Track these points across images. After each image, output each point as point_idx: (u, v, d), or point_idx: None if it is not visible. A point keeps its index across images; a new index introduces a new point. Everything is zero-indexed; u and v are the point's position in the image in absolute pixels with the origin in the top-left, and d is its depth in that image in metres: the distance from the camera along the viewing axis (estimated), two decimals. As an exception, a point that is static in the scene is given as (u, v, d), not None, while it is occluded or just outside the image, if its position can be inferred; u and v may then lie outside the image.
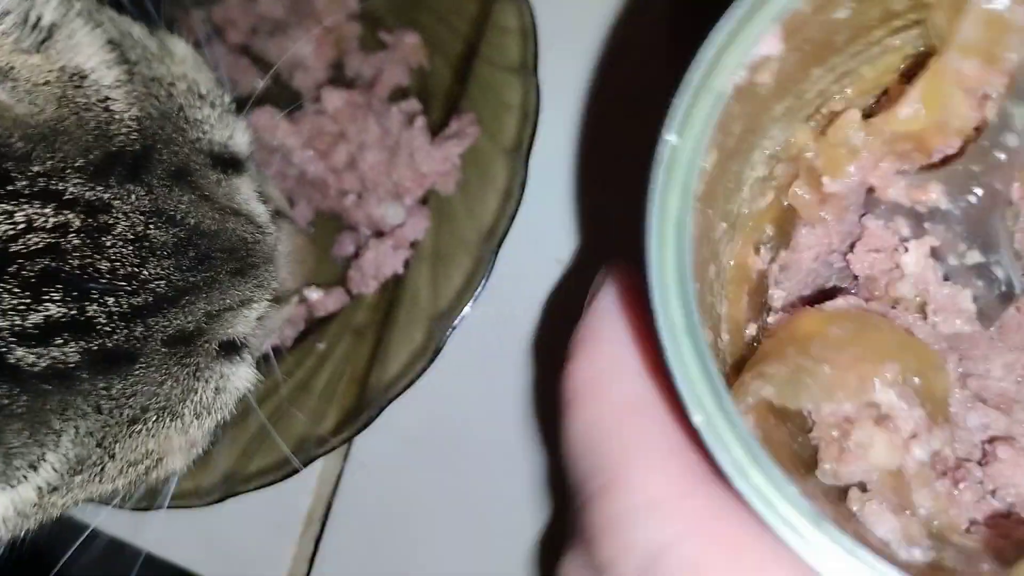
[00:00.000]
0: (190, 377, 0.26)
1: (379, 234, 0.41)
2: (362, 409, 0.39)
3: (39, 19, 0.24)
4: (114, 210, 0.24)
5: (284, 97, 0.45)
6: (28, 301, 0.22)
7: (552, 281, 0.40)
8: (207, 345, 0.27)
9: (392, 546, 0.41)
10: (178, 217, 0.25)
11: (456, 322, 0.38)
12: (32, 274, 0.22)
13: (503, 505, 0.39)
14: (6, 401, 0.21)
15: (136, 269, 0.24)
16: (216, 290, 0.27)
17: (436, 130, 0.42)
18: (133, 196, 0.24)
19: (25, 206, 0.22)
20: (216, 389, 0.28)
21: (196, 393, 0.27)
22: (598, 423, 0.23)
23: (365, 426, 0.38)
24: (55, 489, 0.24)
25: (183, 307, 0.26)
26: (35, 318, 0.22)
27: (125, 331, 0.24)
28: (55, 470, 0.23)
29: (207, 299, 0.27)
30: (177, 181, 0.26)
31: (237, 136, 0.29)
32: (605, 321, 0.23)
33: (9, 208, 0.22)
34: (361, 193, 0.42)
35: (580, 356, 0.23)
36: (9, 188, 0.22)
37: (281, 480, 0.39)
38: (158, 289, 0.25)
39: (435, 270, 0.40)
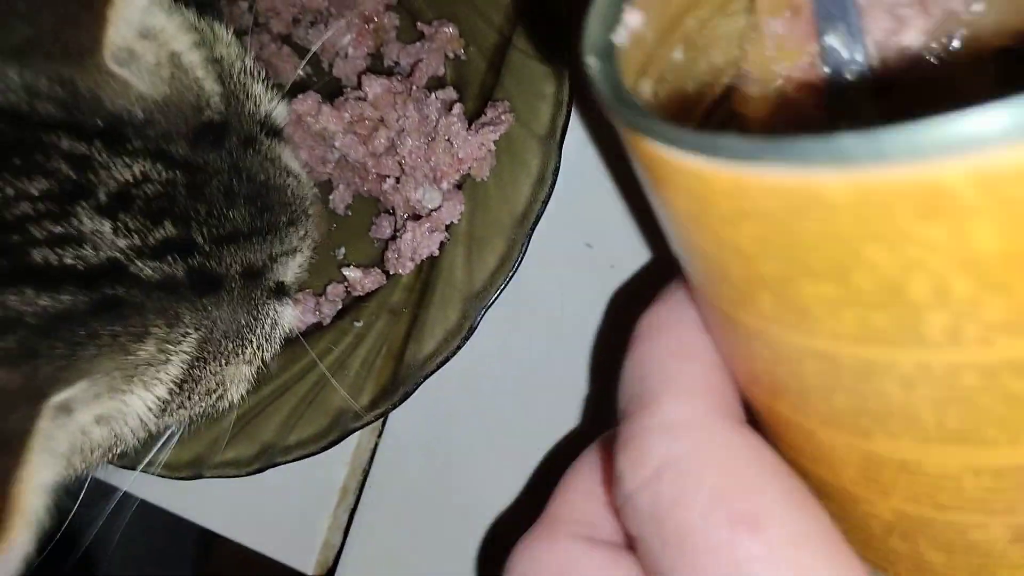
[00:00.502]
0: (255, 309, 0.32)
1: (416, 217, 0.43)
2: (398, 385, 0.40)
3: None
4: (209, 168, 0.29)
5: (325, 85, 0.47)
6: (149, 226, 0.27)
7: (583, 264, 0.41)
8: (267, 283, 0.32)
9: (425, 518, 0.43)
10: (251, 174, 0.31)
11: (490, 302, 0.40)
12: (151, 209, 0.27)
13: (534, 478, 0.41)
14: (136, 299, 0.27)
15: (225, 211, 0.30)
16: (276, 235, 0.32)
17: (472, 118, 0.43)
18: (220, 159, 0.30)
19: (141, 162, 0.27)
20: (272, 324, 0.33)
21: (258, 325, 0.32)
22: (650, 357, 0.24)
23: (401, 401, 0.40)
24: (164, 407, 0.27)
25: (254, 245, 0.31)
26: (152, 237, 0.27)
27: (217, 256, 0.29)
28: (172, 382, 0.26)
29: (270, 242, 0.32)
30: (247, 147, 0.31)
31: (279, 109, 0.35)
32: (681, 295, 0.25)
33: (128, 161, 0.27)
34: (399, 177, 0.43)
35: (655, 306, 0.25)
36: (127, 147, 0.27)
37: (319, 452, 0.41)
38: (240, 226, 0.31)
39: (470, 252, 0.41)
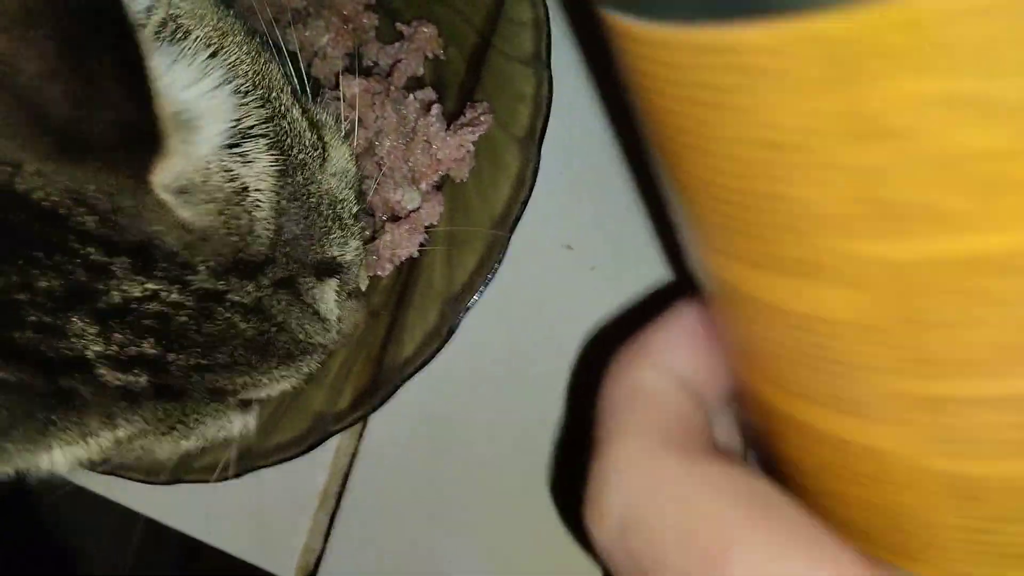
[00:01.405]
0: (212, 414, 0.30)
1: (395, 218, 0.42)
2: (377, 388, 0.40)
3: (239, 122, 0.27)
4: (224, 302, 0.27)
5: (302, 84, 0.46)
6: (131, 339, 0.26)
7: (562, 265, 0.41)
8: (232, 400, 0.31)
9: (406, 521, 0.42)
10: (268, 316, 0.29)
11: (470, 304, 0.39)
12: (141, 324, 0.26)
13: (514, 481, 0.41)
14: (88, 395, 0.26)
15: (217, 347, 0.28)
16: (260, 372, 0.31)
17: (451, 119, 0.43)
18: (242, 294, 0.28)
19: (156, 283, 0.26)
20: (223, 427, 0.32)
21: (211, 426, 0.31)
22: (608, 399, 0.25)
23: (380, 404, 0.40)
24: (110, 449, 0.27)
25: (232, 376, 0.30)
26: (129, 350, 0.26)
27: (186, 378, 0.28)
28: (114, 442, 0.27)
29: (250, 376, 0.30)
30: (280, 287, 0.29)
31: (349, 251, 0.32)
32: (664, 327, 0.25)
33: (144, 280, 0.26)
34: (377, 178, 0.43)
35: (624, 346, 0.25)
36: (151, 271, 0.26)
37: (299, 456, 0.40)
38: (222, 359, 0.29)
39: (449, 254, 0.41)
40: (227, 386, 0.29)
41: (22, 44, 0.22)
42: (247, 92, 0.29)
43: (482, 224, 0.41)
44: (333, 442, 0.42)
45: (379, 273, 0.42)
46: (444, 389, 0.42)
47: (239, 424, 0.32)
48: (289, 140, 0.30)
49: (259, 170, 0.28)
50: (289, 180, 0.30)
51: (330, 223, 0.31)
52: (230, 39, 0.30)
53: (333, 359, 0.42)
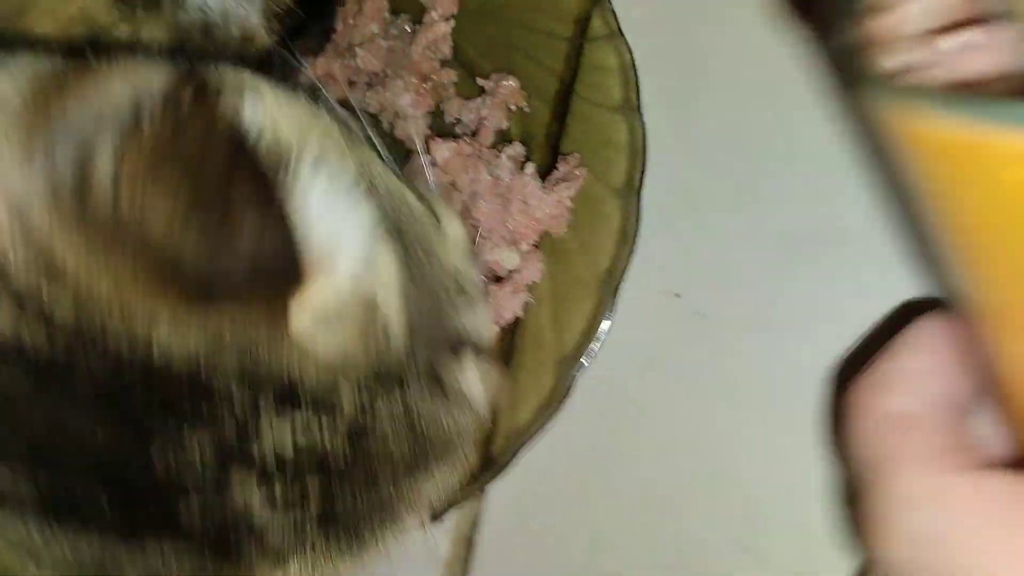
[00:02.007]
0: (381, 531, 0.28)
1: (496, 279, 0.42)
2: (497, 456, 0.40)
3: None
4: (376, 415, 0.26)
5: (390, 148, 0.46)
6: (296, 499, 0.25)
7: (672, 314, 0.40)
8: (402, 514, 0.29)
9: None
10: (418, 415, 0.27)
11: (583, 363, 0.39)
12: (302, 477, 0.25)
13: (640, 535, 0.40)
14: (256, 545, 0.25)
15: (375, 460, 0.27)
16: (424, 471, 0.29)
17: (543, 172, 0.42)
18: (391, 401, 0.26)
19: (306, 417, 0.25)
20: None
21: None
22: (874, 427, 0.26)
23: (500, 472, 0.40)
24: None
25: (398, 485, 0.28)
26: (292, 493, 0.25)
27: (353, 504, 0.27)
28: None
29: (414, 481, 0.29)
30: (425, 379, 0.28)
31: (478, 319, 0.31)
32: (909, 350, 0.27)
33: (292, 417, 0.25)
34: (475, 240, 0.43)
35: (873, 375, 0.27)
36: (297, 405, 0.25)
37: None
38: (387, 494, 0.28)
39: (555, 312, 0.41)
40: (393, 502, 0.28)
41: (151, 191, 0.22)
42: (357, 189, 0.28)
43: (587, 280, 0.40)
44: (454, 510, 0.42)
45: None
46: (559, 445, 0.42)
47: (413, 525, 0.30)
48: (403, 222, 0.29)
49: (386, 270, 0.27)
50: (411, 265, 0.28)
51: (455, 295, 0.31)
52: (330, 139, 0.29)
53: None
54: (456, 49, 0.47)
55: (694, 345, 0.40)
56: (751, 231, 0.39)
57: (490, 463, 0.40)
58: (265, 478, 0.24)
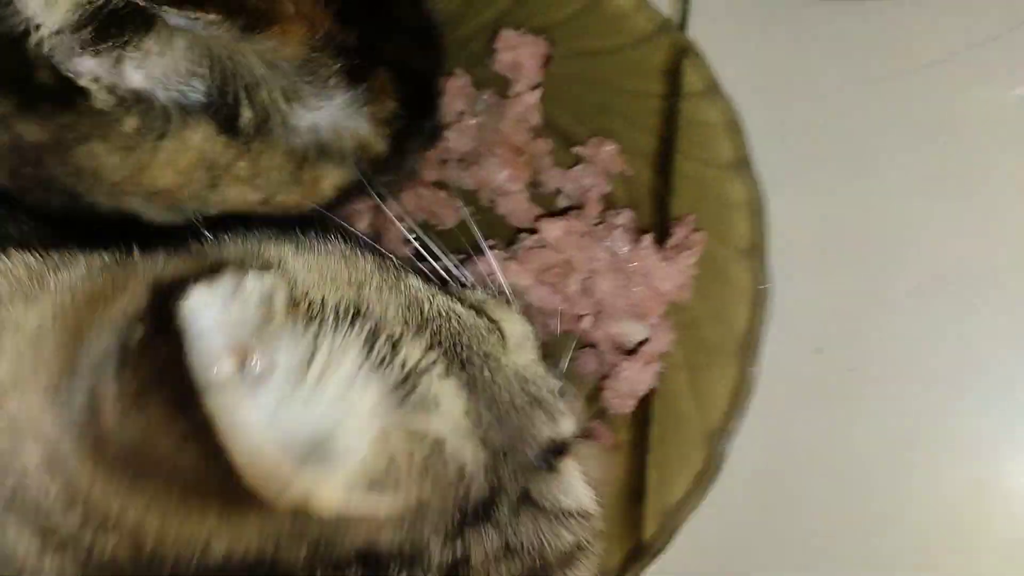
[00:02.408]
0: None
1: (628, 352, 0.41)
2: (650, 540, 0.39)
3: (423, 396, 0.24)
4: (471, 562, 0.24)
5: (492, 224, 0.46)
6: None
7: (816, 370, 0.39)
8: None
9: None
10: (523, 546, 0.25)
11: (732, 435, 0.38)
12: None
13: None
14: None
15: None
16: None
17: (655, 235, 0.41)
18: (485, 542, 0.24)
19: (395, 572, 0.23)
20: None
21: None
22: None
23: (657, 555, 0.39)
24: None
25: None
26: None
27: None
28: None
29: None
30: (519, 507, 0.25)
31: (566, 423, 0.28)
32: None
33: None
34: (598, 314, 0.42)
35: None
36: (388, 571, 0.23)
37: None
38: None
39: (694, 382, 0.40)
40: None
41: (143, 414, 0.20)
42: (399, 337, 0.25)
43: (724, 346, 0.39)
44: None
45: (623, 410, 0.41)
46: (712, 514, 0.41)
47: None
48: (462, 343, 0.27)
49: (448, 406, 0.24)
50: (478, 387, 0.26)
51: (532, 407, 0.28)
52: (366, 289, 0.27)
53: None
54: (547, 117, 0.46)
55: (844, 401, 0.38)
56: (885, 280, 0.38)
57: (643, 547, 0.39)
58: None
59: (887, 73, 0.39)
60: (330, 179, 0.36)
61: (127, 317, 0.21)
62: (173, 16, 0.29)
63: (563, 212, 0.44)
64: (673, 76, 0.43)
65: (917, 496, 0.37)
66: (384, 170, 0.38)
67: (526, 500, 0.25)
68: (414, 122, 0.38)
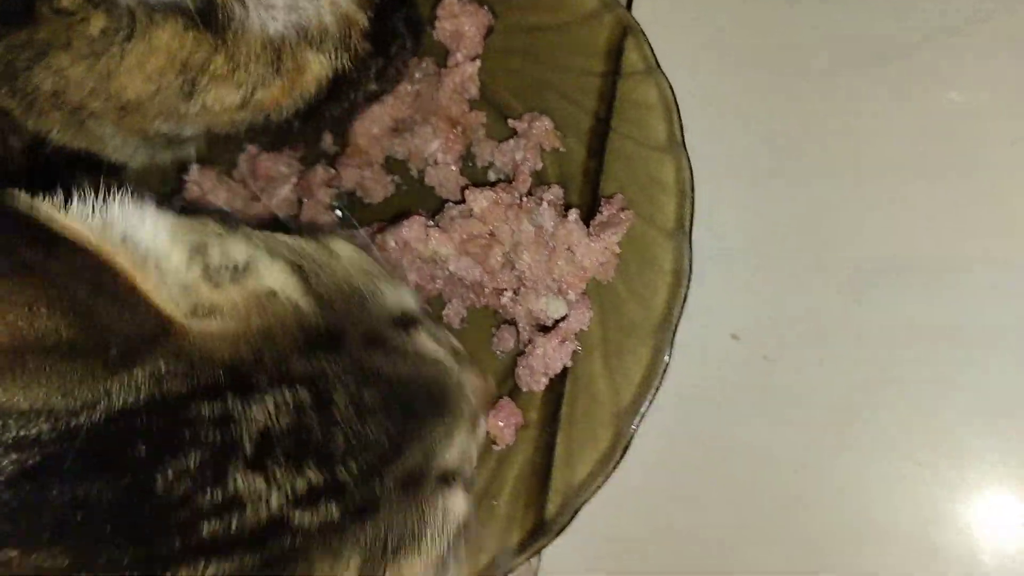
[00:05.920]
0: (422, 506, 0.29)
1: (543, 328, 0.40)
2: (553, 517, 0.38)
3: (235, 263, 0.29)
4: (329, 376, 0.28)
5: (420, 195, 0.45)
6: (294, 473, 0.26)
7: (731, 357, 0.39)
8: (429, 478, 0.30)
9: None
10: (380, 375, 0.29)
11: (642, 414, 0.37)
12: (290, 450, 0.26)
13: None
14: (301, 546, 0.26)
15: (362, 429, 0.28)
16: (426, 430, 0.30)
17: (584, 214, 0.41)
18: (340, 365, 0.28)
19: (269, 395, 0.26)
20: (444, 512, 0.30)
21: (429, 518, 0.29)
22: None
23: (560, 531, 0.38)
24: None
25: (405, 454, 0.29)
26: (301, 485, 0.26)
27: (367, 486, 0.28)
28: None
29: (420, 441, 0.30)
30: (371, 345, 0.30)
31: (406, 299, 0.33)
32: None
33: (259, 399, 0.26)
34: (518, 289, 0.41)
35: None
36: (255, 387, 0.27)
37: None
38: (384, 446, 0.28)
39: (608, 362, 0.39)
40: (412, 468, 0.29)
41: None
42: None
43: (640, 326, 0.38)
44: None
45: (535, 388, 0.40)
46: (616, 496, 0.40)
47: (458, 503, 0.30)
48: (294, 257, 0.31)
49: (275, 277, 0.29)
50: (311, 277, 0.30)
51: (372, 283, 0.32)
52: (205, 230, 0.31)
53: (500, 488, 0.40)
54: (484, 90, 0.45)
55: (757, 388, 0.38)
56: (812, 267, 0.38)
57: (545, 525, 0.38)
58: (268, 475, 0.26)
59: (827, 66, 0.39)
60: (312, 70, 0.35)
61: None
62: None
63: (492, 185, 0.43)
64: (615, 55, 0.43)
65: (825, 488, 0.36)
66: (368, 68, 0.37)
67: (375, 343, 0.30)
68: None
